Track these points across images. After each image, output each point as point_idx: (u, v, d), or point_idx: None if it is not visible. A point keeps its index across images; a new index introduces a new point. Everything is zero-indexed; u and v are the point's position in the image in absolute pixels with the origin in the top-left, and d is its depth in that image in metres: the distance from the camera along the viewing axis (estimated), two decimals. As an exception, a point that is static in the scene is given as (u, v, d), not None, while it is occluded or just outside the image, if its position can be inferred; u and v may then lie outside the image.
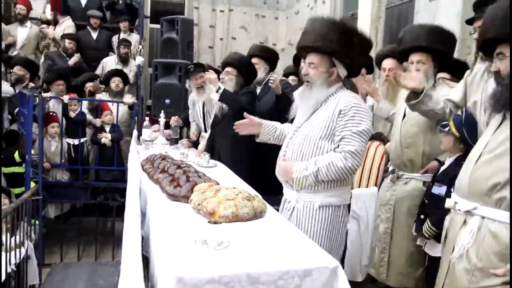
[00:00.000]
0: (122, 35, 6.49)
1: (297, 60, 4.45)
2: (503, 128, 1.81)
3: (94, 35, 6.48)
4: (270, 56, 4.12)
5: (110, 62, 6.18)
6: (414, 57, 2.76)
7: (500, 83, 1.83)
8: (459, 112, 2.52)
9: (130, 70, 6.15)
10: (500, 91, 1.80)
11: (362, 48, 2.29)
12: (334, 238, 2.32)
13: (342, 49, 2.20)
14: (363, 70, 3.73)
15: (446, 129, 2.51)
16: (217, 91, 3.45)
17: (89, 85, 5.46)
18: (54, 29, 6.35)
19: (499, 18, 1.79)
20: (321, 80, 2.28)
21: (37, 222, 4.37)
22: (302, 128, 2.34)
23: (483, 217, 1.80)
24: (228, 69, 3.72)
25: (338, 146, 2.20)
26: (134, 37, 6.57)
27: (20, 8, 6.22)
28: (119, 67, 6.02)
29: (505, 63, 1.81)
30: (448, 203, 2.01)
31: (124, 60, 6.14)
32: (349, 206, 3.09)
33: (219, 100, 3.48)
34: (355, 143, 2.15)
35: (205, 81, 3.78)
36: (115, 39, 6.55)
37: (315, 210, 2.28)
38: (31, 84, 5.34)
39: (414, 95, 2.52)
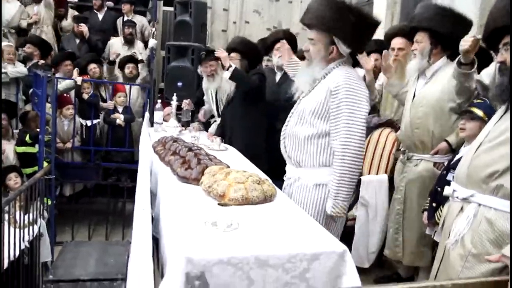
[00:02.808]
0: (126, 18, 6.42)
1: None
2: (505, 118, 1.81)
3: (100, 16, 6.45)
4: (293, 40, 4.05)
5: (116, 44, 6.11)
6: (417, 36, 2.83)
7: (505, 74, 1.82)
8: (478, 100, 2.53)
9: (136, 52, 6.08)
10: (506, 82, 1.80)
11: (362, 24, 2.22)
12: (323, 219, 2.30)
13: (338, 25, 2.17)
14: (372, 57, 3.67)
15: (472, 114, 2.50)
16: (227, 69, 3.42)
17: (93, 66, 5.44)
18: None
19: (509, 7, 1.76)
20: (319, 57, 2.27)
21: (49, 201, 4.44)
22: (300, 103, 2.35)
23: (479, 205, 1.82)
24: (232, 54, 3.71)
25: (332, 133, 2.19)
26: (138, 19, 6.48)
27: None
28: (125, 48, 6.01)
29: None
30: (447, 190, 2.02)
31: (130, 41, 6.07)
32: (358, 192, 3.11)
33: (230, 78, 3.45)
34: (343, 134, 2.14)
35: (216, 69, 3.79)
36: (119, 21, 6.48)
37: (309, 188, 2.29)
38: (41, 61, 5.38)
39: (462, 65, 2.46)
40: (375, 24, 2.30)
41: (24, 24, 6.09)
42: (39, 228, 3.84)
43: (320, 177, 2.26)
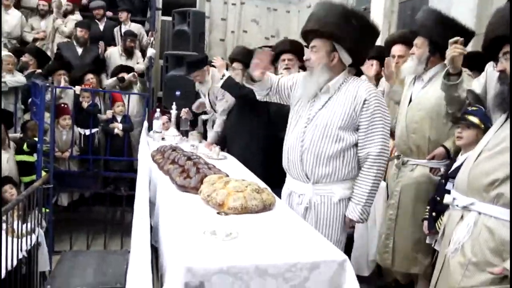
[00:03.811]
0: (123, 26, 6.42)
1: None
2: (506, 126, 1.82)
3: (101, 26, 6.43)
4: (301, 49, 3.90)
5: (114, 54, 6.06)
6: (416, 40, 2.78)
7: (505, 83, 1.83)
8: (473, 108, 2.51)
9: (138, 62, 6.08)
10: (506, 91, 1.80)
11: (365, 33, 2.22)
12: (344, 231, 2.34)
13: (341, 31, 2.15)
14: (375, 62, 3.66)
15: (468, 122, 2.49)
16: (221, 78, 3.44)
17: (90, 77, 5.42)
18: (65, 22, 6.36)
19: (509, 17, 1.77)
20: (321, 64, 2.22)
21: (47, 210, 4.42)
22: (318, 116, 2.24)
23: (479, 213, 1.82)
24: (234, 64, 3.75)
25: (362, 142, 2.22)
26: (135, 27, 6.45)
27: (42, 5, 6.33)
28: (123, 59, 5.98)
29: None
30: (447, 199, 2.02)
31: (130, 53, 6.05)
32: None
33: (221, 87, 3.48)
34: (379, 142, 2.20)
35: (201, 78, 3.94)
36: (116, 30, 6.47)
37: (334, 204, 2.27)
38: (38, 71, 5.39)
39: (449, 76, 2.47)
40: (376, 33, 2.30)
41: (29, 37, 6.12)
42: (37, 237, 3.82)
43: (344, 191, 2.27)
